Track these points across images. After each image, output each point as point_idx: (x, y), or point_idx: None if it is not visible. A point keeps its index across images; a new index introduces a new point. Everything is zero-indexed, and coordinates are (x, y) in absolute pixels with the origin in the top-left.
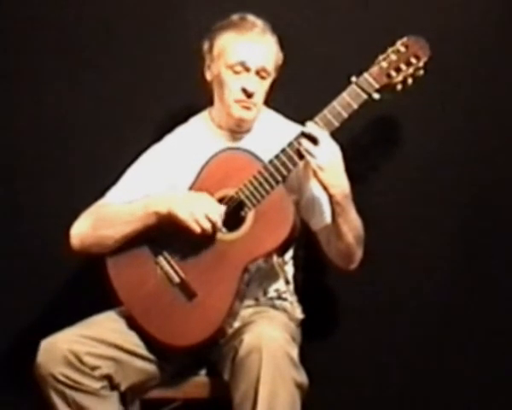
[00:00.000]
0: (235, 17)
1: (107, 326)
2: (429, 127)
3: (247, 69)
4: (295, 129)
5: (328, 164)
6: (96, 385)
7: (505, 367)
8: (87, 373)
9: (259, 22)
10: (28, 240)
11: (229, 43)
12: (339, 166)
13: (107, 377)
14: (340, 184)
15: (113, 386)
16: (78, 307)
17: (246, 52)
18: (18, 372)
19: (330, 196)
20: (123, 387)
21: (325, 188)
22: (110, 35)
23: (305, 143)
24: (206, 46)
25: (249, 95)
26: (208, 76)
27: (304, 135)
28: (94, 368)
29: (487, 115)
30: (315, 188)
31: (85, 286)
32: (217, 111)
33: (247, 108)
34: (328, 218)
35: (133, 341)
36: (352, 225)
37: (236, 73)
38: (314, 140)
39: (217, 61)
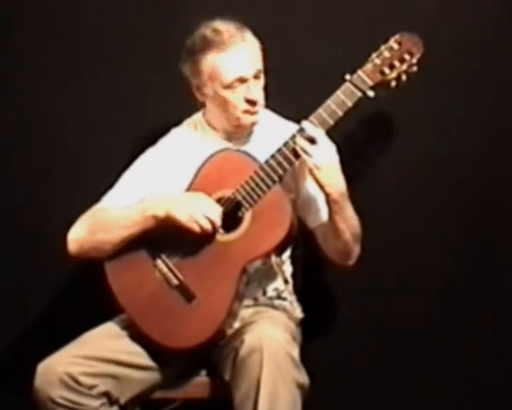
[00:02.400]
0: (207, 32)
1: (102, 342)
2: (426, 125)
3: (245, 80)
4: (291, 127)
5: (324, 163)
6: (95, 403)
7: (506, 368)
8: (85, 393)
9: (232, 28)
10: (27, 243)
11: (219, 64)
12: (335, 164)
13: (106, 394)
14: (337, 182)
15: (113, 401)
16: (77, 310)
17: (239, 67)
18: (18, 374)
19: (327, 195)
20: (122, 400)
21: (321, 187)
22: (110, 37)
23: (302, 141)
24: (187, 70)
25: (255, 102)
26: (199, 97)
27: (300, 134)
28: (91, 387)
29: (486, 113)
30: (311, 186)
31: (85, 290)
32: (213, 115)
33: (255, 113)
34: (324, 216)
35: (132, 351)
36: (349, 222)
37: (235, 88)
38: (310, 139)
39: (210, 84)
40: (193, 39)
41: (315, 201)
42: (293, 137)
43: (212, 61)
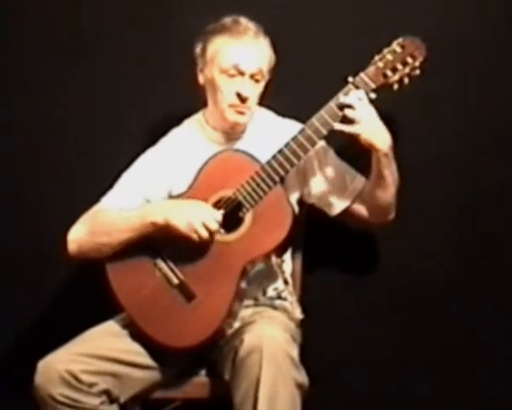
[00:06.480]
0: (227, 20)
1: (102, 340)
2: (426, 126)
3: (242, 73)
4: (290, 126)
5: (371, 123)
6: (95, 402)
7: (506, 367)
8: (85, 391)
9: (252, 25)
10: (27, 242)
11: (223, 46)
12: (377, 120)
13: (106, 393)
14: (385, 136)
15: (113, 400)
16: (78, 309)
17: (240, 56)
18: (18, 371)
19: (377, 151)
20: (122, 399)
21: (372, 146)
22: (110, 36)
23: (348, 112)
24: (198, 49)
25: (243, 99)
26: (201, 79)
27: (341, 107)
28: (91, 385)
29: (487, 115)
30: (328, 171)
31: (85, 288)
32: (211, 113)
33: (241, 113)
34: (358, 186)
35: (132, 350)
36: (395, 175)
37: (231, 76)
38: (349, 106)
39: (210, 65)
40: (214, 24)
41: (340, 180)
42: (294, 138)
43: (219, 43)
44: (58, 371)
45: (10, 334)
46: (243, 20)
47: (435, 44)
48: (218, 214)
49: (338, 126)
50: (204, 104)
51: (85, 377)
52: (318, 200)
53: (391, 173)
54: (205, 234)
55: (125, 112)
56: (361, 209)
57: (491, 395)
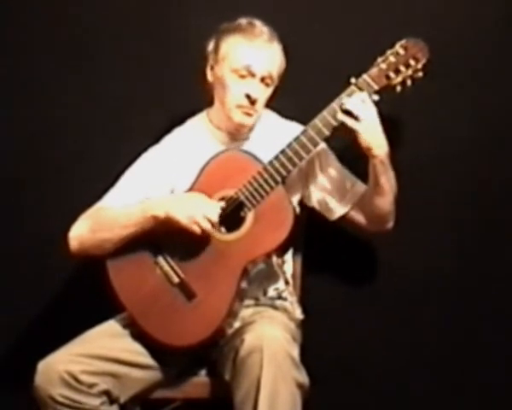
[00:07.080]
0: (243, 21)
1: (102, 341)
2: (427, 126)
3: (253, 75)
4: (294, 128)
5: (370, 125)
6: (96, 402)
7: (506, 367)
8: (85, 392)
9: (266, 29)
10: (27, 242)
11: (236, 46)
12: (378, 124)
13: (106, 393)
14: (383, 142)
15: (113, 400)
16: (78, 309)
17: (252, 57)
18: (18, 372)
19: (374, 157)
20: (122, 399)
21: (369, 150)
22: (110, 36)
23: (348, 104)
24: (211, 46)
25: (252, 101)
26: (210, 77)
27: (344, 108)
28: (91, 386)
29: (487, 115)
30: (328, 175)
31: (85, 288)
32: (216, 113)
33: (248, 115)
34: (357, 192)
35: (132, 349)
36: (392, 181)
37: (241, 77)
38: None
39: (221, 64)
40: (228, 23)
41: (341, 184)
42: (296, 138)
43: (233, 42)
44: (58, 371)
45: (10, 334)
46: (258, 24)
47: (435, 44)
48: (218, 206)
49: (340, 116)
50: (206, 104)
51: (85, 378)
52: (318, 203)
53: (387, 181)
54: (206, 226)
55: (125, 112)
56: (359, 217)
57: (491, 395)
